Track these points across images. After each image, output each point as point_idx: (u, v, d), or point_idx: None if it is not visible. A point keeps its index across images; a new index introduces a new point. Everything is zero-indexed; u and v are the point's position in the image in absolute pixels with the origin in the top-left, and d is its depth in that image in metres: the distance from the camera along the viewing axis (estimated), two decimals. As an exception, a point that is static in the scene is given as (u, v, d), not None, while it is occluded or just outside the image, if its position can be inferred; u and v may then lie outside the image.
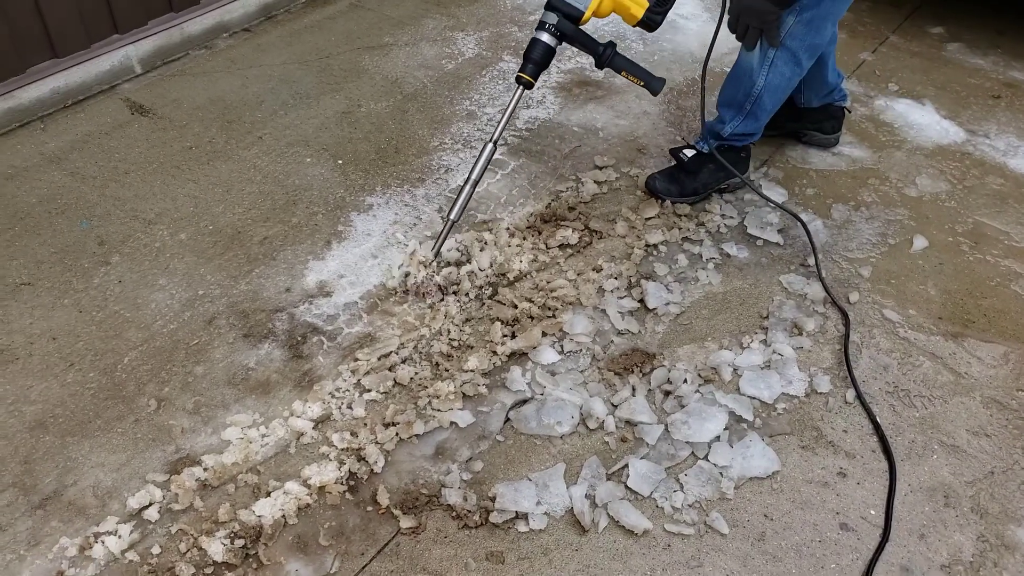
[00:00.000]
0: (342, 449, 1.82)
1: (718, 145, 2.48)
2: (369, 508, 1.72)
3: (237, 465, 1.78)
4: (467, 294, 2.22)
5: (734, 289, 2.28)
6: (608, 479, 1.78)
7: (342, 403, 1.93)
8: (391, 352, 2.05)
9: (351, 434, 1.85)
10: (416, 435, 1.85)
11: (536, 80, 2.15)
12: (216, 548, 1.61)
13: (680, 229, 2.44)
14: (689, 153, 2.52)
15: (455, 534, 1.69)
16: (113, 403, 1.94)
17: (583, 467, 1.80)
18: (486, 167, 2.22)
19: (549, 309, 2.16)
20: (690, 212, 2.51)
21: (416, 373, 2.01)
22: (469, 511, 1.70)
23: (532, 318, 2.14)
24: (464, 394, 1.95)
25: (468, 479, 1.78)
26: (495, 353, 2.05)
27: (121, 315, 2.17)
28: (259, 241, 2.41)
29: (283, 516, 1.69)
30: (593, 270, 2.30)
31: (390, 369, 2.01)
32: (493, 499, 1.72)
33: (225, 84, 3.11)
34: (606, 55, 2.13)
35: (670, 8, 2.11)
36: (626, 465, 1.79)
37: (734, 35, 2.23)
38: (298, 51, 3.36)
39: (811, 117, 2.79)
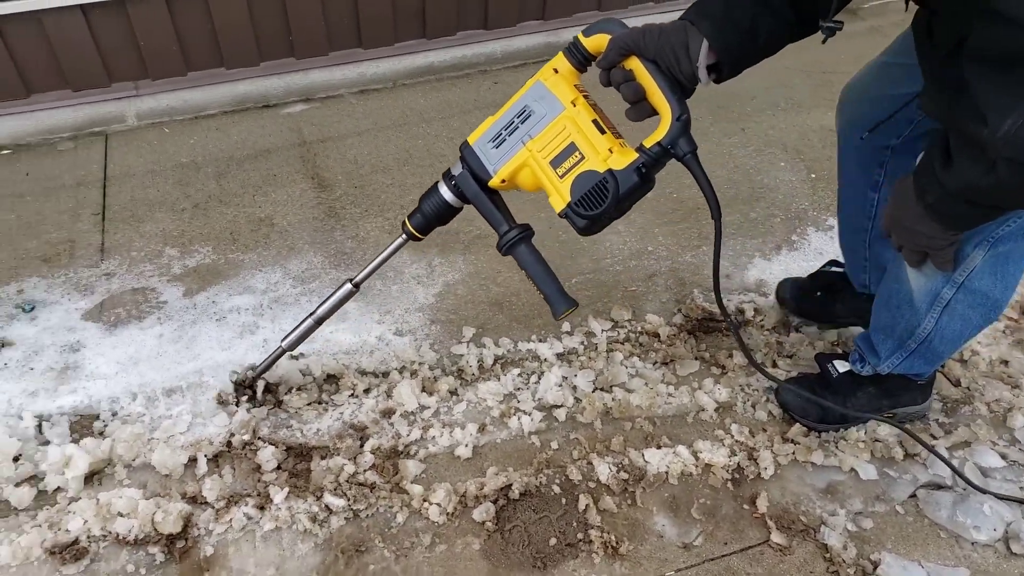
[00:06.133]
0: (737, 440, 1.85)
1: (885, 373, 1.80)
2: (745, 506, 1.73)
3: (640, 409, 1.91)
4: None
5: None
6: (1017, 613, 1.55)
7: (748, 400, 1.95)
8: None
9: (750, 432, 1.87)
10: (812, 463, 1.80)
11: (424, 235, 1.64)
12: (604, 470, 1.76)
13: None
14: (841, 367, 1.86)
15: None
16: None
17: (990, 586, 1.59)
18: (336, 308, 1.77)
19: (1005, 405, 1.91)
20: None
21: (828, 405, 1.94)
22: (845, 561, 1.61)
23: (979, 413, 1.91)
24: (873, 451, 1.83)
25: (852, 531, 1.69)
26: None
27: (579, 243, 2.43)
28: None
29: (666, 472, 1.77)
30: (1075, 386, 1.97)
31: (802, 390, 1.97)
32: (875, 564, 1.61)
33: (725, 72, 3.24)
34: (507, 239, 1.52)
35: (598, 216, 1.39)
36: (1046, 610, 1.54)
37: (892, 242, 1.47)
38: (805, 59, 3.35)
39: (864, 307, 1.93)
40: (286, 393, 1.91)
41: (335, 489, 1.70)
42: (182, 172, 2.73)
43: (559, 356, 2.05)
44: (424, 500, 1.70)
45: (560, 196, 1.42)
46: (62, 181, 2.70)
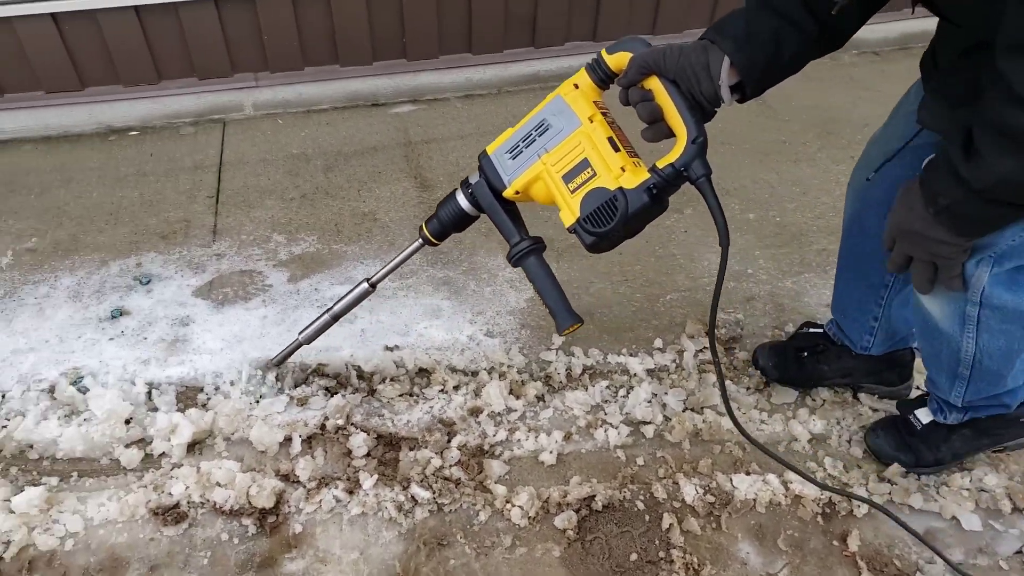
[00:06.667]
0: (830, 475, 1.79)
1: (970, 419, 1.70)
2: (835, 543, 1.67)
3: (731, 433, 1.87)
4: None
5: None
6: None
7: (844, 435, 1.89)
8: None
9: (844, 467, 1.80)
10: (910, 506, 1.73)
11: (440, 241, 1.65)
12: (690, 491, 1.73)
13: None
14: (924, 418, 1.75)
15: (914, 625, 1.55)
16: (647, 327, 2.18)
17: (1102, 657, 1.49)
18: (353, 306, 1.80)
19: None
20: None
21: (929, 448, 1.86)
22: (941, 613, 1.54)
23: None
24: (978, 501, 1.74)
25: (950, 582, 1.61)
26: (1034, 479, 1.78)
27: (677, 259, 2.41)
28: (817, 250, 2.44)
29: (754, 499, 1.73)
30: None
31: (902, 430, 1.89)
32: (974, 619, 1.53)
33: (837, 96, 3.16)
34: (517, 250, 1.49)
35: (605, 233, 1.36)
36: None
37: (889, 261, 1.37)
38: (919, 88, 3.23)
39: (866, 368, 1.93)
40: (380, 383, 1.96)
41: (421, 481, 1.73)
42: (293, 163, 2.84)
43: (649, 372, 2.04)
44: (507, 501, 1.71)
45: (570, 211, 1.39)
46: (182, 163, 2.86)
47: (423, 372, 2.03)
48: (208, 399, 1.94)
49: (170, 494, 1.70)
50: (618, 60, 1.36)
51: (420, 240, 1.68)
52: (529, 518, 1.68)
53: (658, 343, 2.12)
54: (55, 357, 2.05)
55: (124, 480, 1.75)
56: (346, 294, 1.81)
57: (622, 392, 1.98)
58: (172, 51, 2.95)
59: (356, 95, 3.14)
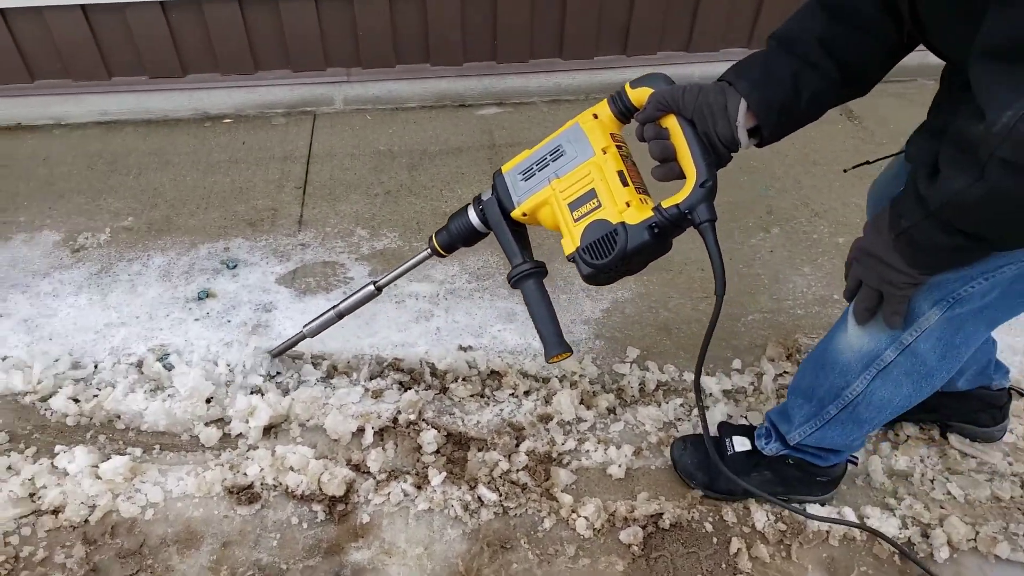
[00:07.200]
0: (908, 514, 1.71)
1: (783, 454, 1.66)
2: (913, 586, 1.61)
3: (807, 462, 1.82)
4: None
5: None
6: None
7: (926, 474, 1.81)
8: (989, 462, 1.83)
9: (924, 507, 1.73)
10: (996, 555, 1.64)
11: (448, 253, 1.66)
12: (760, 517, 1.69)
13: None
14: (740, 446, 1.72)
15: None
16: (726, 346, 2.13)
17: None
18: (358, 306, 1.84)
19: None
20: None
21: (1021, 496, 1.76)
22: (1026, 673, 1.46)
23: None
24: (1072, 553, 1.65)
25: (1038, 641, 1.52)
26: None
27: (761, 280, 2.35)
28: (908, 279, 2.34)
29: (828, 531, 1.68)
30: None
31: (989, 480, 1.80)
32: None
33: (937, 120, 3.03)
34: (518, 271, 1.49)
35: (602, 266, 1.31)
36: None
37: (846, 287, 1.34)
38: None
39: (956, 406, 1.83)
40: (452, 381, 1.98)
41: (488, 482, 1.74)
42: (378, 159, 2.90)
43: (726, 393, 1.99)
44: (573, 511, 1.70)
45: (572, 239, 1.37)
46: (272, 153, 2.94)
47: (495, 374, 2.03)
48: (286, 385, 1.99)
49: (245, 474, 1.75)
50: (640, 95, 1.35)
51: (428, 250, 1.69)
52: (594, 530, 1.67)
53: (736, 364, 2.07)
54: (144, 333, 2.14)
55: (202, 457, 1.81)
56: (352, 294, 1.85)
57: (696, 411, 1.95)
58: (270, 43, 3.04)
59: (444, 95, 3.18)
